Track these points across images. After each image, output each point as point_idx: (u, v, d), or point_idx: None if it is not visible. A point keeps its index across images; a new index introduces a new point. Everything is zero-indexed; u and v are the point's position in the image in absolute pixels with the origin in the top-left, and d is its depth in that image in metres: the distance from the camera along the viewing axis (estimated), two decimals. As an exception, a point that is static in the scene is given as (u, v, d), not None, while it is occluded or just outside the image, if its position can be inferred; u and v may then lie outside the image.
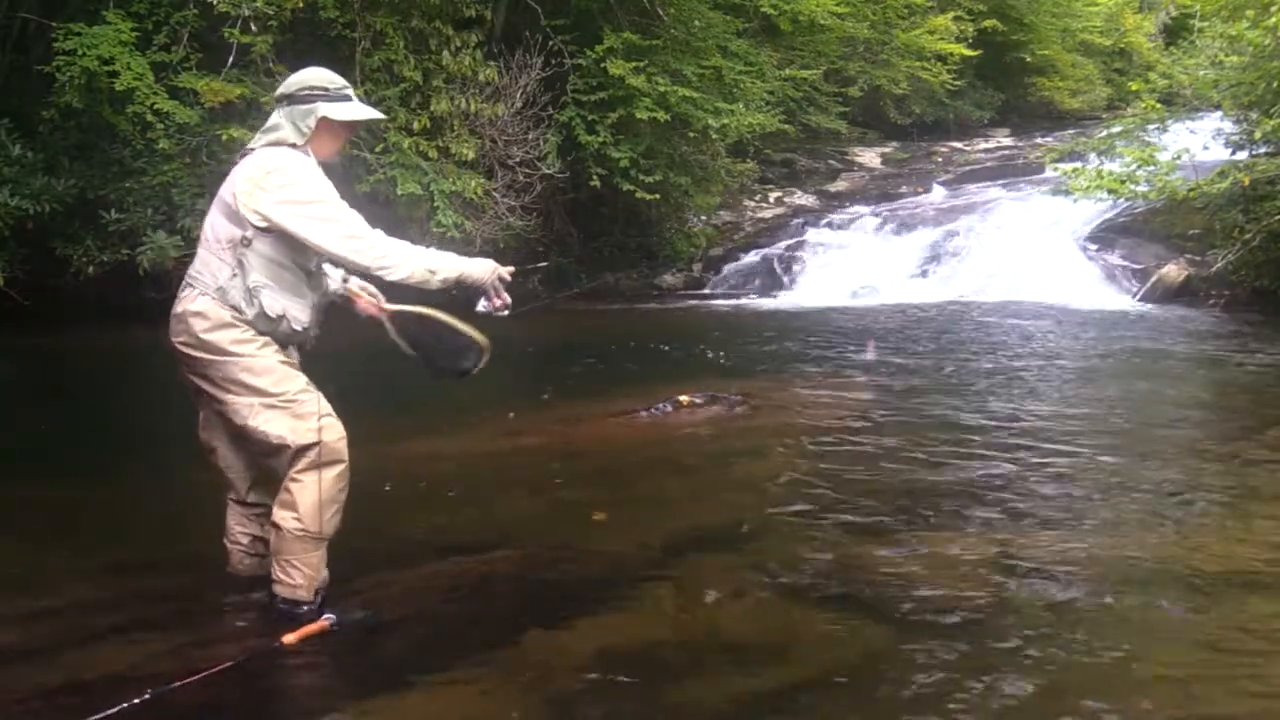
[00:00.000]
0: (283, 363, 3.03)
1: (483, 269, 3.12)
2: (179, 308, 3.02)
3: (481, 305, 3.16)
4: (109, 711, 2.41)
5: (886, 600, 3.23)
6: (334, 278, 3.33)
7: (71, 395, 6.81)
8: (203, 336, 2.96)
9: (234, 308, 2.96)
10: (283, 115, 3.08)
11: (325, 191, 3.00)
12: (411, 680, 2.74)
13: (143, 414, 6.27)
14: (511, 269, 3.19)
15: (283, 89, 3.14)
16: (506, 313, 3.17)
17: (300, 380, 3.04)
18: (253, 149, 3.09)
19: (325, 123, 3.08)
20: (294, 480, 2.98)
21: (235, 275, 2.96)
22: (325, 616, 2.92)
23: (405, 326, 3.25)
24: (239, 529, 3.29)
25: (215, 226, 3.03)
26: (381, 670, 2.83)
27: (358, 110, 3.17)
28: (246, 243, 2.96)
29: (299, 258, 3.04)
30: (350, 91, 3.17)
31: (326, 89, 3.10)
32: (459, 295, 3.17)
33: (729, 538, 3.88)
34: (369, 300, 3.33)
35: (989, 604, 3.18)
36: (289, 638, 2.79)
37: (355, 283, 3.36)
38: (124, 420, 6.04)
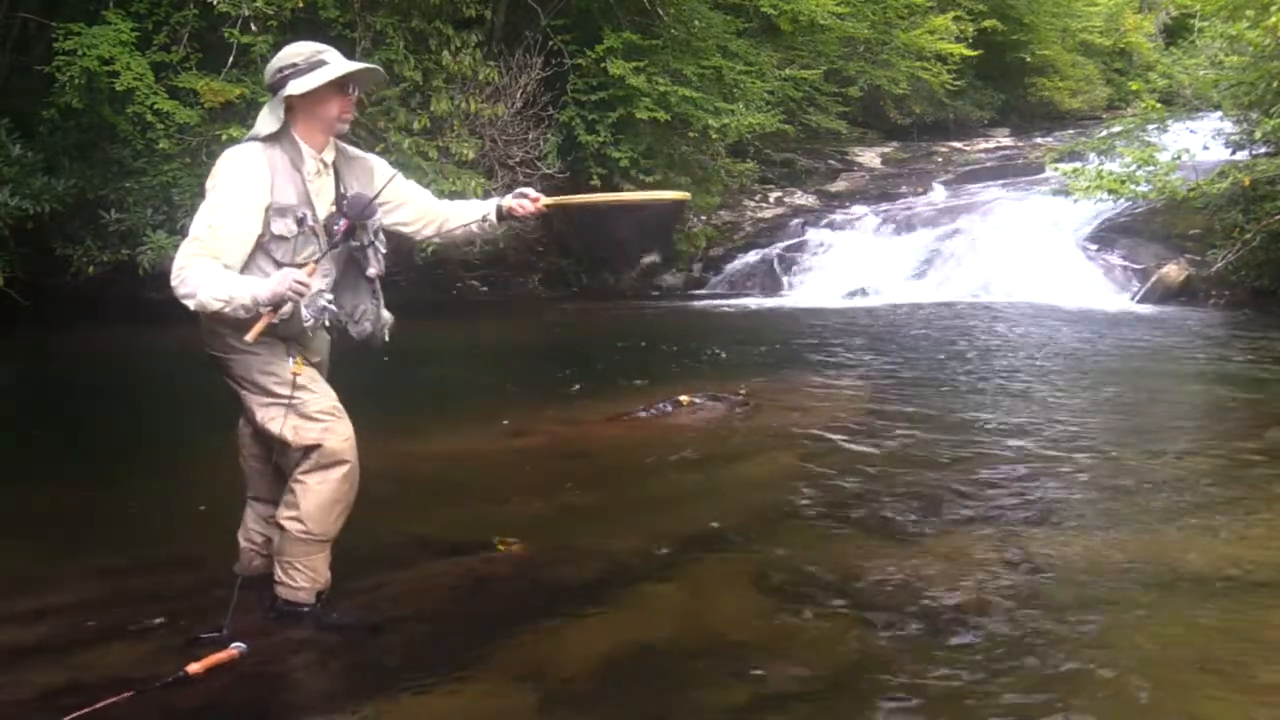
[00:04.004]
0: (299, 360, 2.98)
1: (273, 282, 2.79)
2: None
3: (306, 318, 2.88)
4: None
5: (887, 600, 3.23)
6: (467, 214, 3.27)
7: (71, 395, 6.81)
8: (212, 332, 2.96)
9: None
10: (266, 108, 3.02)
11: (224, 198, 2.86)
12: (411, 680, 2.73)
13: (142, 414, 6.28)
14: (309, 265, 2.88)
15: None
16: (332, 312, 2.95)
17: (304, 377, 2.99)
18: None
19: (297, 101, 2.94)
20: (297, 481, 2.98)
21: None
22: (234, 645, 2.79)
23: (572, 218, 3.11)
24: (256, 528, 3.26)
25: None
26: (381, 671, 2.83)
27: (320, 76, 2.91)
28: None
29: (259, 259, 2.91)
30: (328, 55, 2.97)
31: (295, 64, 2.93)
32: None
33: (729, 538, 3.88)
34: (523, 206, 3.25)
35: (989, 604, 3.18)
36: (193, 667, 2.69)
37: (508, 199, 3.28)
38: (124, 420, 6.04)
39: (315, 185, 3.01)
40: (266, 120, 2.98)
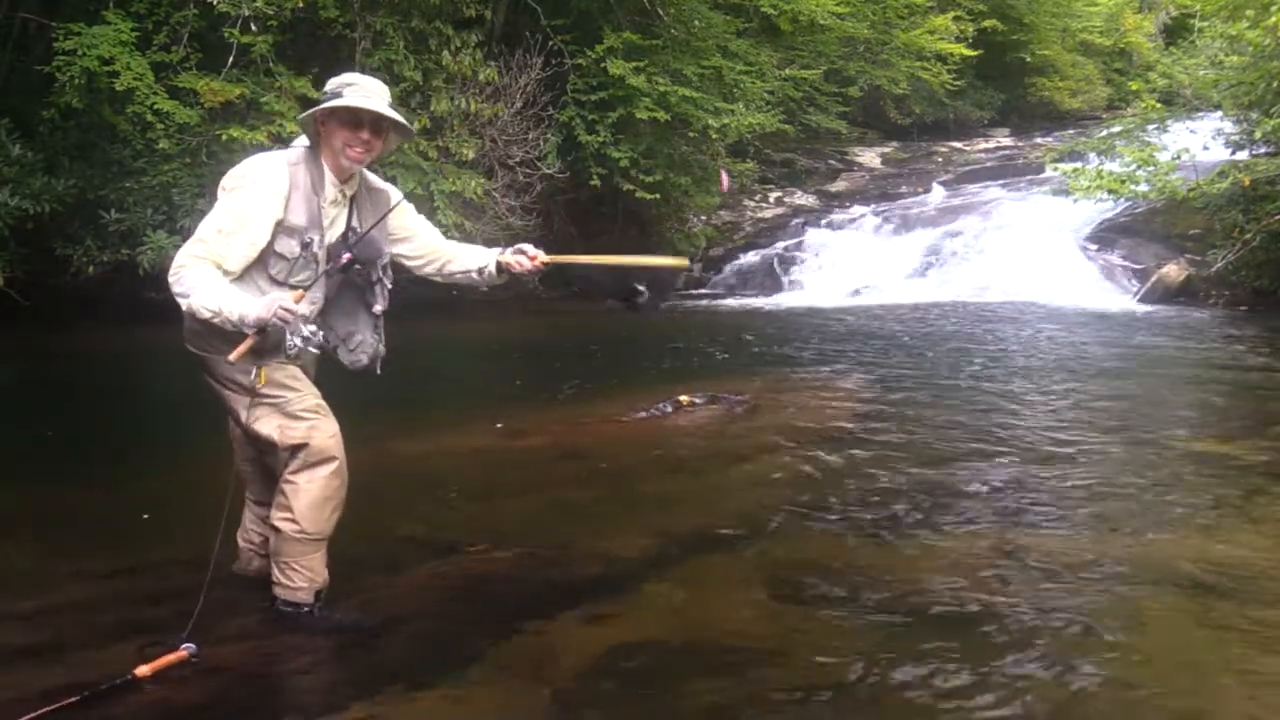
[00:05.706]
0: (279, 363, 2.98)
1: (261, 306, 2.77)
2: None
3: (290, 345, 2.87)
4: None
5: (886, 600, 3.23)
6: (468, 261, 3.26)
7: (71, 395, 6.81)
8: (196, 332, 2.95)
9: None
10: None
11: (239, 205, 2.88)
12: (411, 680, 2.73)
13: (142, 414, 6.28)
14: (298, 293, 2.88)
15: None
16: (317, 341, 2.93)
17: (286, 376, 2.98)
18: None
19: (320, 126, 2.99)
20: (287, 482, 2.97)
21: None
22: (184, 646, 2.76)
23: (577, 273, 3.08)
24: (255, 529, 3.27)
25: None
26: (381, 671, 2.83)
27: (319, 106, 2.98)
28: None
29: (254, 271, 2.93)
30: (350, 90, 2.96)
31: (325, 93, 3.01)
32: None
33: (729, 538, 3.88)
34: (520, 264, 3.21)
35: (989, 604, 3.18)
36: (142, 669, 2.65)
37: (507, 254, 3.24)
38: (124, 420, 6.04)
39: (330, 212, 3.03)
40: (305, 137, 3.06)
